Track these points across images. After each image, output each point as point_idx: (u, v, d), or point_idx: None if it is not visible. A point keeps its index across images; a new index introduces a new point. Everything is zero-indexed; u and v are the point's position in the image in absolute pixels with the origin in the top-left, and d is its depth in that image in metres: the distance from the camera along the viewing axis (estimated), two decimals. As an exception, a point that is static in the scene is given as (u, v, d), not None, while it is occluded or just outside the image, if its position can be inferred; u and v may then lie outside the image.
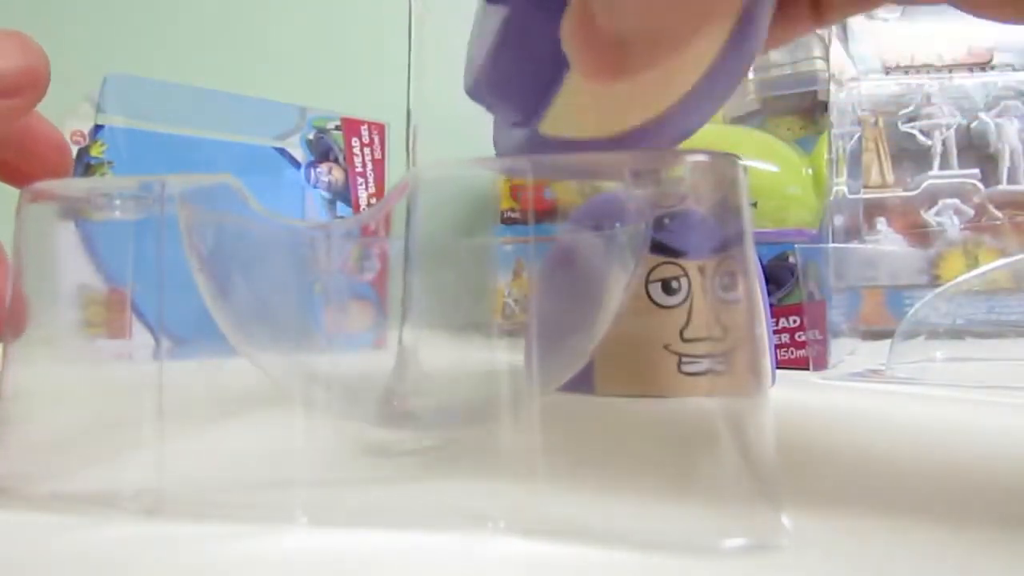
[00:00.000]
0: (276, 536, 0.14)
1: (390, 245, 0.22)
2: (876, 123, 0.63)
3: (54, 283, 0.19)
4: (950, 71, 0.62)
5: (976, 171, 0.60)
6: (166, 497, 0.15)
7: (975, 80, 0.62)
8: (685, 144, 0.18)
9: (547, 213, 0.20)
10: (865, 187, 0.61)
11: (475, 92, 0.19)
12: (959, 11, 0.17)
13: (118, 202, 0.17)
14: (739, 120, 0.50)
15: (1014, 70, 0.62)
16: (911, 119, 0.62)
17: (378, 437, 0.20)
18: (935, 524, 0.15)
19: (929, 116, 0.62)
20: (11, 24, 0.19)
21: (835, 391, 0.32)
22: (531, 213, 0.16)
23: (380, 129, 0.52)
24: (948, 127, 0.61)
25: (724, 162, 0.15)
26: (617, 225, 0.21)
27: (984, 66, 0.62)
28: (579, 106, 0.17)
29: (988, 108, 0.61)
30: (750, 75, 0.51)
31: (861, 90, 0.61)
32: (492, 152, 0.21)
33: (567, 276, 0.21)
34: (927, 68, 0.63)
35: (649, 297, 0.28)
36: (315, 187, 0.48)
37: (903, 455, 0.20)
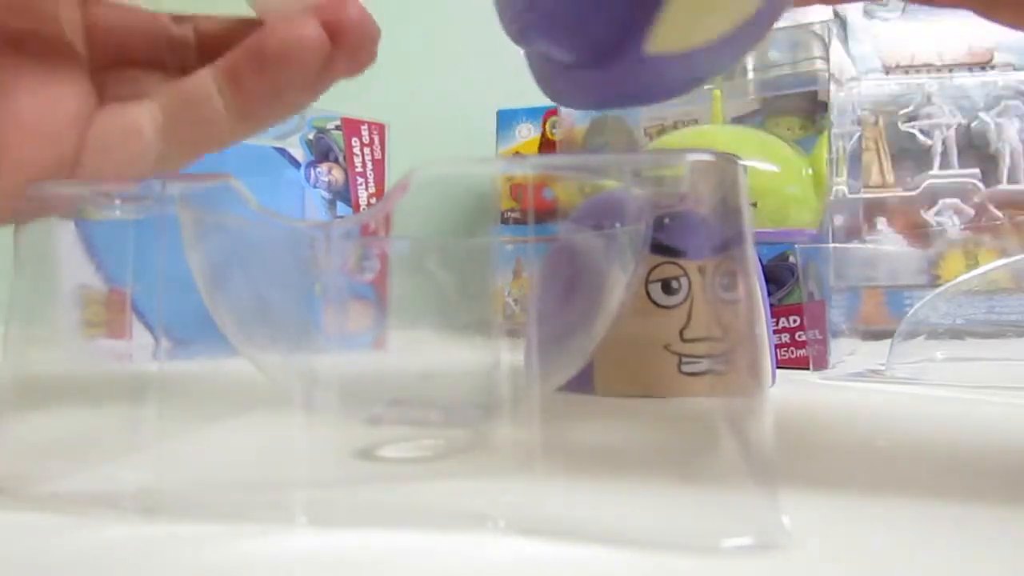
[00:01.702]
0: (276, 536, 0.14)
1: (390, 245, 0.22)
2: (876, 123, 0.63)
3: (54, 283, 0.19)
4: (950, 71, 0.62)
5: (976, 171, 0.60)
6: (166, 497, 0.15)
7: (975, 80, 0.62)
8: (685, 145, 0.19)
9: (547, 213, 0.20)
10: (865, 187, 0.61)
11: (526, 35, 0.19)
12: (979, 16, 0.17)
13: (118, 202, 0.17)
14: (739, 120, 0.50)
15: (1014, 69, 0.62)
16: (911, 119, 0.62)
17: (377, 438, 0.20)
18: (935, 524, 0.15)
19: (929, 116, 0.62)
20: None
21: (835, 391, 0.32)
22: (531, 213, 0.16)
23: (380, 129, 0.52)
24: (948, 127, 0.61)
25: (724, 162, 0.15)
26: (617, 225, 0.21)
27: (984, 66, 0.62)
28: (683, 13, 0.18)
29: (988, 108, 0.61)
30: (750, 75, 0.51)
31: (861, 90, 0.61)
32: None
33: (567, 276, 0.21)
34: (927, 68, 0.63)
35: (649, 297, 0.28)
36: (315, 187, 0.48)
37: (903, 455, 0.20)
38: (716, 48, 0.18)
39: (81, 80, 0.21)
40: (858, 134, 0.57)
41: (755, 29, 0.19)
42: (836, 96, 0.45)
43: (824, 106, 0.46)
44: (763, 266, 0.39)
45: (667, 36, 0.18)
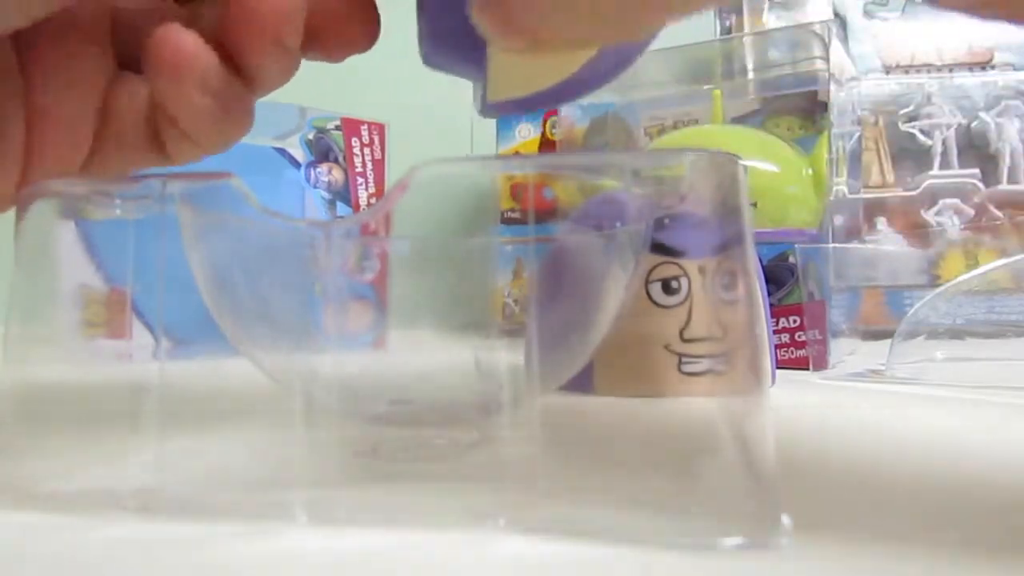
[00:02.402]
0: (276, 536, 0.14)
1: (390, 245, 0.22)
2: (876, 123, 0.63)
3: (54, 283, 0.19)
4: (950, 70, 0.62)
5: (976, 171, 0.60)
6: (165, 497, 0.15)
7: (975, 79, 0.62)
8: (685, 145, 0.19)
9: (547, 213, 0.20)
10: (865, 187, 0.61)
11: (429, 60, 0.20)
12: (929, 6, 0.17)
13: (118, 201, 0.17)
14: (739, 120, 0.50)
15: (1014, 69, 0.62)
16: (911, 119, 0.62)
17: (377, 438, 0.20)
18: (934, 524, 0.15)
19: (929, 116, 0.62)
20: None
21: (835, 391, 0.32)
22: (531, 213, 0.16)
23: (380, 129, 0.52)
24: (948, 127, 0.61)
25: (724, 162, 0.15)
26: (617, 225, 0.21)
27: (984, 65, 0.63)
28: (505, 72, 0.18)
29: (988, 107, 0.61)
30: (750, 75, 0.51)
31: (861, 90, 0.61)
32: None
33: (567, 276, 0.21)
34: (927, 67, 0.63)
35: (649, 297, 0.28)
36: (315, 187, 0.48)
37: (903, 455, 0.20)
38: (556, 90, 0.19)
39: (101, 42, 0.20)
40: (858, 134, 0.57)
41: (603, 67, 0.19)
42: (836, 96, 0.45)
43: (824, 106, 0.46)
44: (763, 266, 0.39)
45: (497, 90, 0.19)
